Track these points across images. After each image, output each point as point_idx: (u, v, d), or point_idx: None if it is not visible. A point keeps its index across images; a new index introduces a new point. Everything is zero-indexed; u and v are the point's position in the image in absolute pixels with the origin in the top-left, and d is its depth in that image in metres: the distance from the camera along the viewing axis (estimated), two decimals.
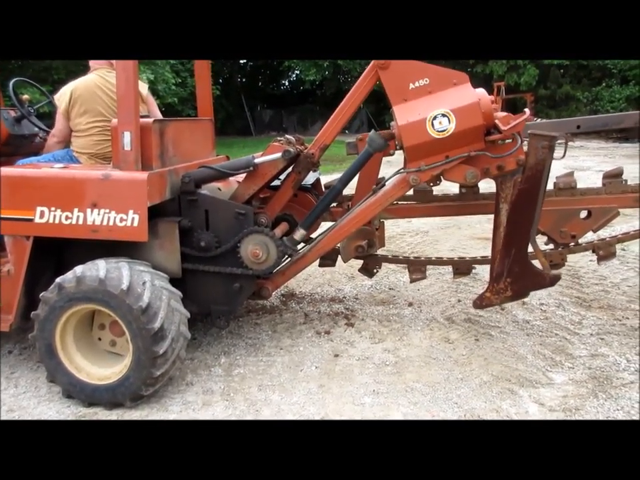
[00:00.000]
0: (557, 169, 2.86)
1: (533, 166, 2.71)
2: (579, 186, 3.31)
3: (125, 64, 2.58)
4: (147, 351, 2.53)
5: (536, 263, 2.97)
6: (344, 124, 3.03)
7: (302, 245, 3.28)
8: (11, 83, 3.63)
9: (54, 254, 2.95)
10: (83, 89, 3.24)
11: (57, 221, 2.64)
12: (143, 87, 3.58)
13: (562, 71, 22.34)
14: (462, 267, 3.60)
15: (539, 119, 14.91)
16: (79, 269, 2.59)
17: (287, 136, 3.11)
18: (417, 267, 3.65)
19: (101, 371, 2.71)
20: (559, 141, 2.73)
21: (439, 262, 3.75)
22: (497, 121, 2.71)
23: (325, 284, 4.43)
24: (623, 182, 3.26)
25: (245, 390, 2.83)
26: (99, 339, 2.82)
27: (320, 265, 3.80)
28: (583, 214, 3.23)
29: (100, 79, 3.26)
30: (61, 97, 3.26)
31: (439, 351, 3.20)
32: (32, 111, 3.76)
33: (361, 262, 3.69)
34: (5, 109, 3.72)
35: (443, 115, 2.66)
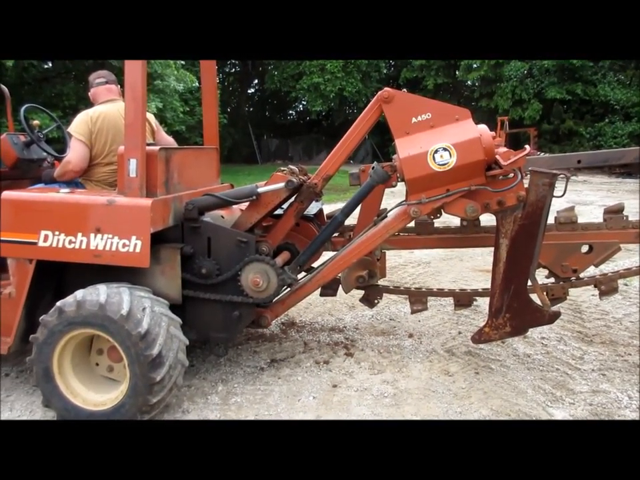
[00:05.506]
0: (559, 202, 2.87)
1: (533, 202, 2.73)
2: (582, 220, 3.33)
3: (134, 94, 2.64)
4: (144, 377, 2.52)
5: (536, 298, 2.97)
6: (348, 155, 3.07)
7: (303, 274, 3.28)
8: (22, 109, 3.71)
9: (55, 277, 2.97)
10: (107, 116, 3.22)
11: (60, 245, 2.66)
12: (151, 118, 3.65)
13: (565, 106, 22.61)
14: (463, 299, 3.60)
15: (543, 153, 15.05)
16: (79, 293, 2.60)
17: (291, 166, 3.15)
18: (418, 298, 3.65)
19: (97, 397, 2.69)
20: (561, 176, 2.75)
21: (440, 293, 3.75)
22: (497, 157, 2.74)
23: (325, 313, 4.42)
24: (624, 218, 3.28)
25: (242, 419, 2.80)
26: (97, 364, 2.81)
27: (321, 295, 3.79)
28: (585, 248, 3.24)
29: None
30: (82, 123, 3.16)
31: (438, 383, 3.17)
32: (41, 136, 3.83)
33: (362, 292, 3.69)
34: (15, 134, 3.79)
35: (444, 149, 2.70)
